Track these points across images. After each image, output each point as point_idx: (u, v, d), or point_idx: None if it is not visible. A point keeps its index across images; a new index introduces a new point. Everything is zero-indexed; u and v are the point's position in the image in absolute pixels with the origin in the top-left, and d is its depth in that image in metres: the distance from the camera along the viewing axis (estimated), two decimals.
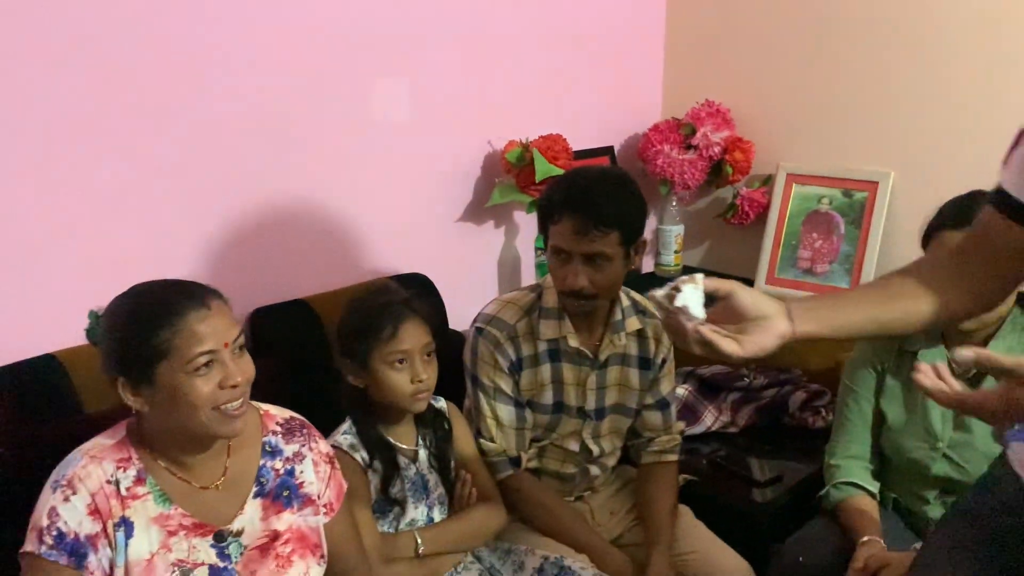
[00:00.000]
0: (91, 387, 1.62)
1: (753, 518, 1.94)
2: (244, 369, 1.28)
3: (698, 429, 2.20)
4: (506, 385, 1.77)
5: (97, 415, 1.53)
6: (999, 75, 2.14)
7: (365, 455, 1.59)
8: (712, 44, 2.67)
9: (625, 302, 1.84)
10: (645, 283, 2.61)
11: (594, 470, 1.89)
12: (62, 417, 1.60)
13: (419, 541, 1.60)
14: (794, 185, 2.51)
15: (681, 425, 1.98)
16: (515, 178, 2.30)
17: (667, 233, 2.69)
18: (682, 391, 2.24)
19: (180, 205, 1.81)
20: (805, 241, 2.49)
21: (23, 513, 1.27)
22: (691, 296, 1.10)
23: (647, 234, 2.70)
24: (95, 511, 1.24)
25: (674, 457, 1.92)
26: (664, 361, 1.88)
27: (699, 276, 1.12)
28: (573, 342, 1.78)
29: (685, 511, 1.90)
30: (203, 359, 1.23)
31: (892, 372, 1.79)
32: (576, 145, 2.42)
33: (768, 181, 2.56)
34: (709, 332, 1.09)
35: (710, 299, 1.12)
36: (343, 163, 2.06)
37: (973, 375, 1.61)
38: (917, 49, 2.27)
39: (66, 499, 1.23)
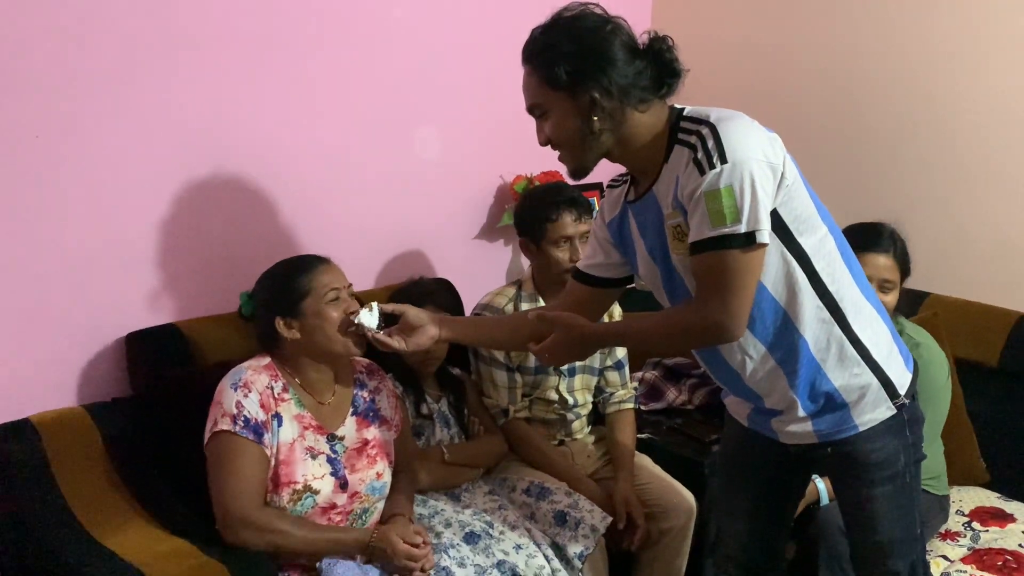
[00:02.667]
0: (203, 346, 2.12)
1: (697, 466, 2.48)
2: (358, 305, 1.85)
3: (661, 405, 2.76)
4: (499, 354, 2.36)
5: (204, 367, 2.06)
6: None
7: (400, 388, 2.18)
8: (692, 92, 3.25)
9: None
10: (633, 294, 3.17)
11: (570, 417, 2.46)
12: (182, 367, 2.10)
13: (445, 452, 2.21)
14: None
15: (635, 384, 2.58)
16: None
17: None
18: (650, 375, 2.81)
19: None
20: None
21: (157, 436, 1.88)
22: (365, 317, 1.79)
23: None
24: (263, 405, 1.79)
25: (631, 405, 2.51)
26: None
27: (374, 304, 1.81)
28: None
29: (645, 458, 2.46)
30: (332, 294, 1.81)
31: None
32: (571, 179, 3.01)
33: None
34: (380, 336, 1.79)
35: (392, 317, 1.79)
36: (391, 191, 2.64)
37: None
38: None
39: (246, 395, 1.77)
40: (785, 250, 1.52)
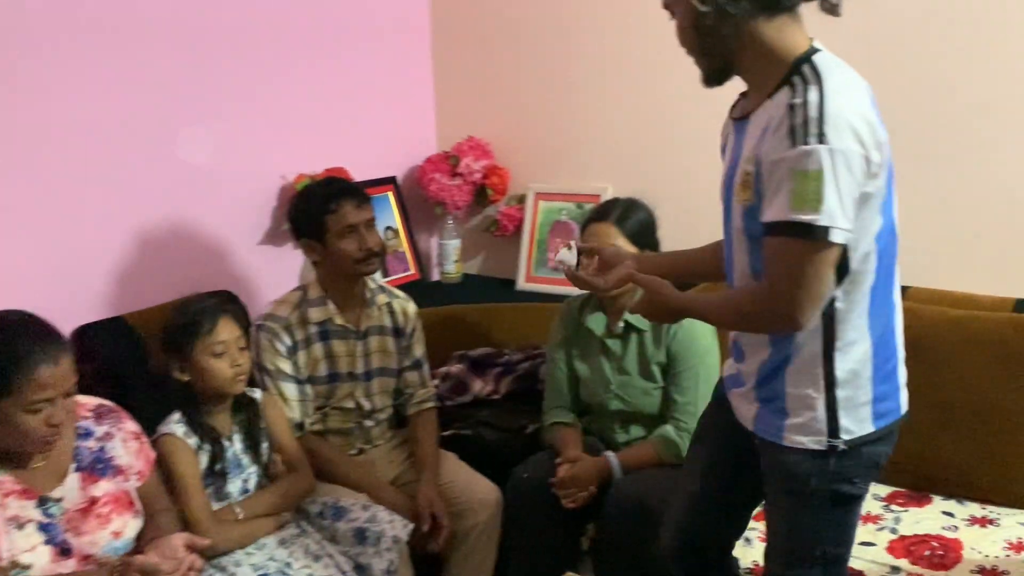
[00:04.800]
0: None
1: (507, 457, 2.44)
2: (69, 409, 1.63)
3: (468, 398, 2.71)
4: (286, 366, 2.23)
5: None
6: (689, 103, 2.81)
7: (196, 440, 1.97)
8: (474, 87, 3.25)
9: (372, 284, 2.36)
10: (431, 291, 3.15)
11: (369, 423, 2.37)
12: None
13: (238, 511, 2.00)
14: (540, 201, 3.11)
15: (437, 382, 2.52)
16: None
17: (447, 247, 3.21)
18: (455, 369, 2.76)
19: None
20: (551, 245, 3.08)
21: None
22: (565, 255, 1.83)
23: (433, 248, 3.21)
24: None
25: (432, 404, 2.44)
26: (413, 331, 2.41)
27: (572, 242, 1.85)
28: (339, 320, 2.28)
29: (450, 455, 2.41)
30: (41, 404, 1.57)
31: (576, 341, 2.36)
32: (360, 176, 2.91)
33: (522, 199, 3.15)
34: (580, 273, 1.79)
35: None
36: (156, 199, 2.46)
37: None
38: (626, 84, 2.92)
39: None
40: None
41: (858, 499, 1.59)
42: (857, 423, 1.51)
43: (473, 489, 2.28)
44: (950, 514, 2.17)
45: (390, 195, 3.16)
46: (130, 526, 1.76)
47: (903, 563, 2.00)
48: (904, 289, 2.06)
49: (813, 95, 1.34)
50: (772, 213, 1.37)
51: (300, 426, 2.25)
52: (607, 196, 2.96)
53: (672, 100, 2.80)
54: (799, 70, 1.40)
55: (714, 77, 1.53)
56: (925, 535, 2.09)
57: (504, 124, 3.20)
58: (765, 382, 1.57)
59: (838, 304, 1.45)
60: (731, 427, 1.68)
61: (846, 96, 1.36)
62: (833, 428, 1.50)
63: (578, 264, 1.83)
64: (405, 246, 3.19)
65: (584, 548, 2.30)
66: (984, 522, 2.13)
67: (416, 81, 3.28)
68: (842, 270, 1.42)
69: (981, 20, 2.32)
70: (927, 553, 2.02)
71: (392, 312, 2.39)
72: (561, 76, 3.04)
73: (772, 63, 1.43)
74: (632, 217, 2.25)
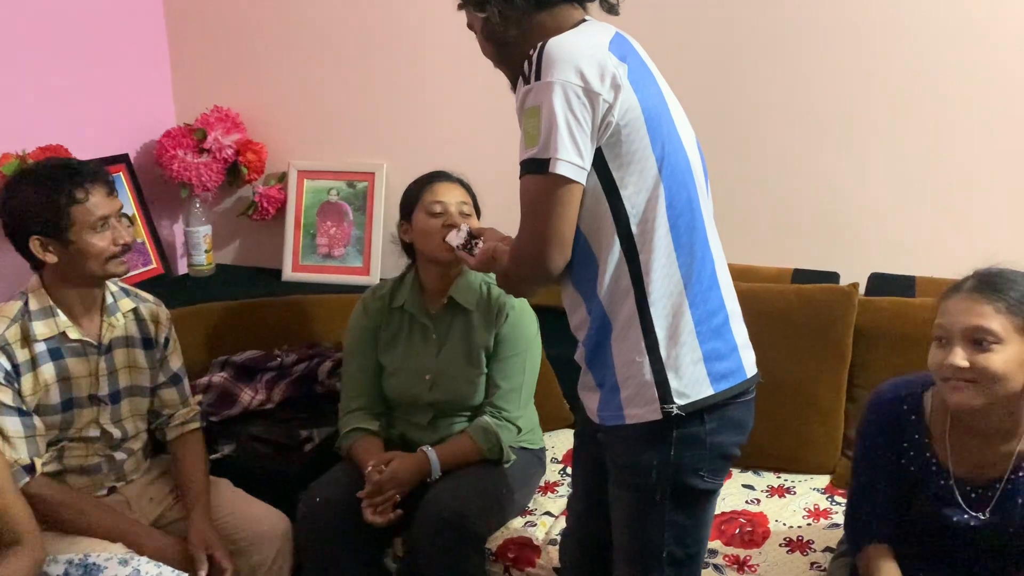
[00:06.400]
0: None
1: (288, 476, 2.16)
2: None
3: (236, 411, 2.36)
4: (5, 396, 1.77)
5: None
6: (469, 75, 2.60)
7: None
8: (216, 51, 2.83)
9: (113, 288, 1.97)
10: (179, 287, 2.72)
11: (120, 456, 1.96)
12: None
13: None
14: (305, 180, 2.79)
15: (199, 396, 2.17)
16: None
17: (195, 234, 2.79)
18: (218, 378, 2.39)
19: None
20: (321, 229, 2.78)
21: None
22: (451, 237, 1.74)
23: (178, 237, 2.80)
24: None
25: (196, 425, 2.08)
26: (167, 340, 2.03)
27: (463, 225, 1.78)
28: (75, 334, 1.85)
29: (223, 482, 2.06)
30: None
31: (386, 327, 2.13)
32: (85, 154, 2.41)
33: (282, 178, 2.80)
34: (463, 253, 1.68)
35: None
36: None
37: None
38: (395, 58, 2.66)
39: None
40: (604, 199, 1.40)
41: (708, 495, 1.53)
42: (691, 385, 1.44)
43: (255, 520, 1.97)
44: (750, 487, 2.20)
45: (122, 176, 2.68)
46: None
47: (717, 544, 1.98)
48: None
49: (540, 44, 1.38)
50: (519, 158, 1.40)
51: (30, 468, 1.80)
52: (383, 174, 2.72)
53: (451, 73, 2.61)
54: None
55: None
56: (732, 511, 2.10)
57: (255, 93, 2.82)
58: (595, 358, 1.50)
59: (641, 256, 1.42)
60: (595, 435, 1.58)
61: (574, 38, 1.39)
62: (665, 393, 1.43)
63: (470, 245, 1.70)
64: (144, 235, 2.72)
65: (392, 568, 2.07)
66: (782, 492, 2.18)
67: (148, 42, 2.80)
68: (622, 216, 1.40)
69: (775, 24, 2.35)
70: (737, 531, 2.03)
71: (140, 319, 1.99)
72: (320, 40, 2.73)
73: None
74: (465, 181, 2.14)
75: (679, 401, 1.43)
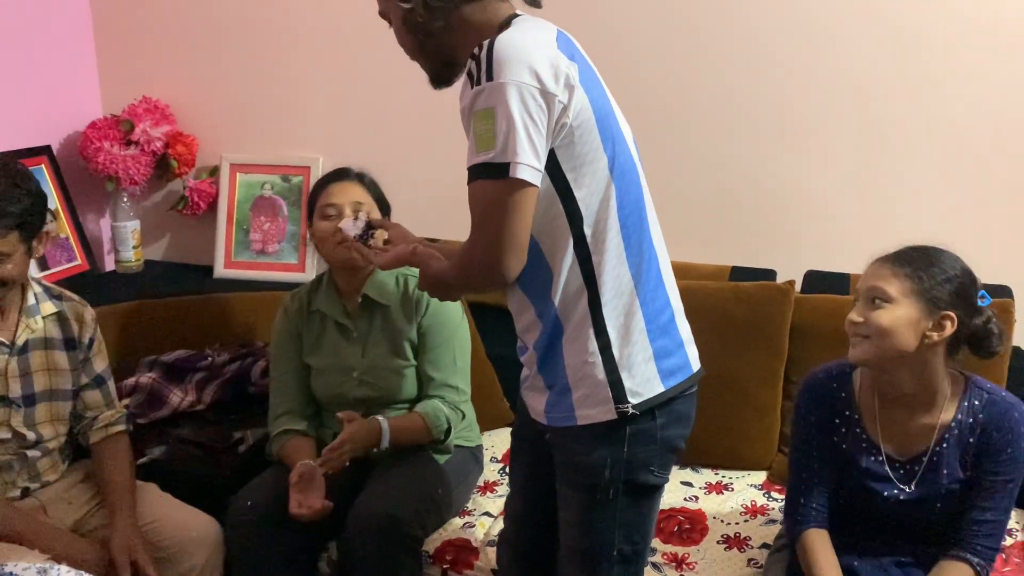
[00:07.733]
0: None
1: (218, 480, 2.09)
2: None
3: (165, 412, 2.28)
4: None
5: None
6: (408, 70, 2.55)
7: None
8: (145, 39, 2.74)
9: (37, 289, 1.89)
10: (106, 283, 2.63)
11: (33, 454, 1.89)
12: None
13: None
14: (238, 174, 2.71)
15: (127, 400, 2.09)
16: None
17: (123, 229, 2.70)
18: (146, 379, 2.30)
19: None
20: (255, 225, 2.70)
21: None
22: (347, 225, 1.74)
23: (104, 232, 2.70)
24: None
25: (122, 427, 2.01)
26: (92, 340, 1.95)
27: (361, 214, 1.79)
28: None
29: (150, 487, 1.99)
30: None
31: (307, 331, 2.09)
32: (2, 145, 2.32)
33: (214, 172, 2.72)
34: (359, 245, 1.68)
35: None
36: None
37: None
38: (330, 49, 2.60)
39: None
40: (558, 201, 1.37)
41: (657, 489, 1.53)
42: (644, 383, 1.44)
43: (184, 526, 1.90)
44: (689, 484, 2.20)
45: (44, 168, 2.57)
46: None
47: (656, 542, 1.97)
48: None
49: (488, 42, 1.33)
50: (467, 162, 1.34)
51: None
52: (319, 168, 2.66)
53: (387, 65, 2.54)
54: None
55: (440, 78, 1.50)
56: (671, 509, 2.09)
57: (186, 83, 2.74)
58: (546, 361, 1.47)
59: (594, 257, 1.41)
60: (538, 436, 1.56)
61: (521, 36, 1.34)
62: (619, 393, 1.42)
63: (367, 236, 1.69)
64: (68, 230, 2.62)
65: (326, 572, 2.02)
66: (720, 488, 2.18)
67: (72, 28, 2.69)
68: (576, 218, 1.39)
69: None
70: (676, 529, 2.03)
71: (63, 320, 1.90)
72: (255, 29, 2.65)
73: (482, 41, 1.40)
74: (370, 177, 2.09)
75: (633, 400, 1.43)
